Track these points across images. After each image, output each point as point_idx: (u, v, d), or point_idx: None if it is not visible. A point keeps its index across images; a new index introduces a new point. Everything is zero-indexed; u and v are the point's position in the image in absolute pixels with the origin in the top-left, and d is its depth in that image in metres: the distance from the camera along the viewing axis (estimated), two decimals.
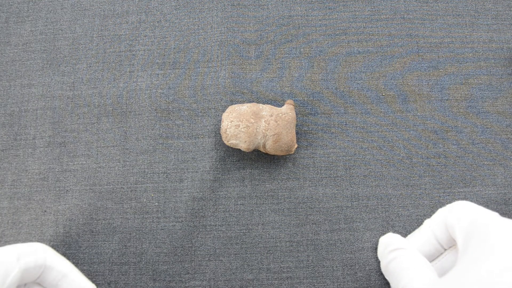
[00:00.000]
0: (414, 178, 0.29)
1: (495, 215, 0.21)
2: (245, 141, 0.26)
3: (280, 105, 0.30)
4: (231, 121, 0.26)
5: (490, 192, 0.28)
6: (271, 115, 0.27)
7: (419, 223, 0.28)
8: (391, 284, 0.24)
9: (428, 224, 0.25)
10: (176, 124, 0.30)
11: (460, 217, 0.22)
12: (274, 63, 0.31)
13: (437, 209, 0.28)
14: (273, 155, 0.29)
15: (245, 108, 0.27)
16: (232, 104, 0.30)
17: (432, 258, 0.24)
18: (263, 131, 0.26)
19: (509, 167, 0.29)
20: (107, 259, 0.27)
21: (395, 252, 0.24)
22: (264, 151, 0.28)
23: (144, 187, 0.29)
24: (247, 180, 0.29)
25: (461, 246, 0.21)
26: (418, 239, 0.25)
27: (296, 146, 0.28)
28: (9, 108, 0.31)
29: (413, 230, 0.27)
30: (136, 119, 0.30)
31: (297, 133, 0.29)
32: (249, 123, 0.26)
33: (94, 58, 0.32)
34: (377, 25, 0.32)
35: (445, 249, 0.24)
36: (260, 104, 0.27)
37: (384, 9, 0.32)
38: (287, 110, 0.27)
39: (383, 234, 0.28)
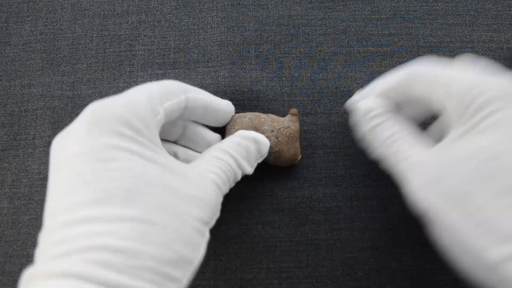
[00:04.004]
0: None
1: None
2: None
3: (281, 105, 0.30)
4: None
5: None
6: (272, 131, 0.26)
7: (419, 223, 0.28)
8: (373, 146, 0.23)
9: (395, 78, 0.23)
10: None
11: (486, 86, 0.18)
12: (274, 62, 0.31)
13: None
14: None
15: (247, 120, 0.26)
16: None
17: None
18: None
19: None
20: None
21: (379, 118, 0.22)
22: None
23: None
24: (247, 180, 0.29)
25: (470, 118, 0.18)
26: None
27: (300, 157, 0.27)
28: (9, 108, 0.31)
29: (413, 229, 0.27)
30: None
31: None
32: None
33: (94, 58, 0.32)
34: (377, 25, 0.32)
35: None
36: (262, 115, 0.27)
37: (384, 9, 0.32)
38: (290, 124, 0.27)
39: (384, 233, 0.27)
